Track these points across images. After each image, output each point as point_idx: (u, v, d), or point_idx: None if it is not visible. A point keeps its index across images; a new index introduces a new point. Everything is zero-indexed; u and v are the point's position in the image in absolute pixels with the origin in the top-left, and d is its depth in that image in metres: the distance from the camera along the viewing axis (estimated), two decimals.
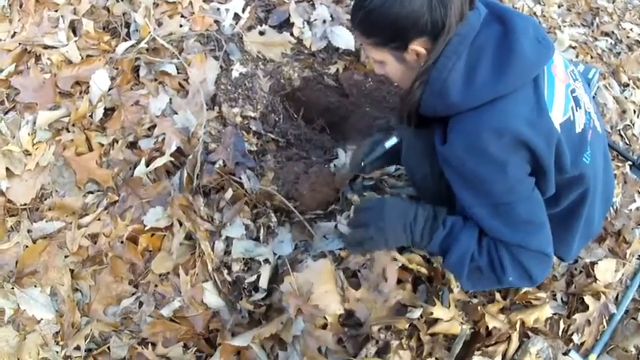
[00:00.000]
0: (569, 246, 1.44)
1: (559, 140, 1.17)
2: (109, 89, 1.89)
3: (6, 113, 1.85)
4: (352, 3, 1.26)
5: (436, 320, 1.53)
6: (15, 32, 2.08)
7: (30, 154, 1.75)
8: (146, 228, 1.65)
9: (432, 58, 1.17)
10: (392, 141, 1.60)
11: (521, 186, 1.19)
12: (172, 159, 1.78)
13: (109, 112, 1.87)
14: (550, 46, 1.20)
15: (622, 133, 2.55)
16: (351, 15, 1.26)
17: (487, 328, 1.56)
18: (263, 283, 1.60)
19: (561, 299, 1.79)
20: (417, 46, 1.19)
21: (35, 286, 1.56)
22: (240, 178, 1.78)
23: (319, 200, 1.83)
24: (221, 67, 2.04)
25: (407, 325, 1.51)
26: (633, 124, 2.60)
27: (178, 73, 1.99)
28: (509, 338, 1.58)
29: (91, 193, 1.74)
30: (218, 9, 2.20)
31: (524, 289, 1.67)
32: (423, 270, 1.61)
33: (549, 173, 1.20)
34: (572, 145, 1.23)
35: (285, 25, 2.25)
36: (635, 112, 2.66)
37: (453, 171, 1.23)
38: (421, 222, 1.33)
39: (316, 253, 1.66)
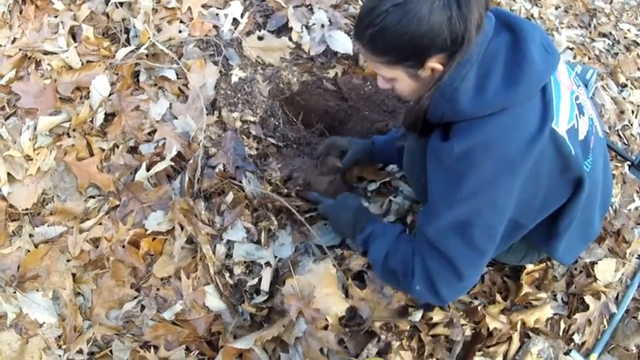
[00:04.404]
0: (558, 247, 1.41)
1: (563, 145, 1.17)
2: (110, 94, 1.90)
3: (7, 119, 1.86)
4: (356, 17, 1.18)
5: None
6: (15, 38, 2.09)
7: (31, 159, 1.75)
8: (147, 232, 1.66)
9: (447, 72, 1.12)
10: None
11: (494, 216, 1.18)
12: (173, 163, 1.78)
13: (109, 117, 1.88)
14: (556, 54, 1.18)
15: (620, 133, 2.56)
16: (357, 32, 1.18)
17: (488, 328, 1.57)
18: (264, 285, 1.60)
19: (562, 299, 1.79)
20: (434, 63, 1.14)
21: (37, 290, 1.57)
22: (240, 182, 1.79)
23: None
24: (220, 72, 2.05)
25: (408, 327, 1.52)
26: (631, 125, 2.62)
27: (178, 78, 2.00)
28: (510, 339, 1.59)
29: (92, 197, 1.74)
30: (217, 14, 2.20)
31: (525, 291, 1.67)
32: None
33: (543, 188, 1.21)
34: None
35: (284, 29, 2.26)
36: (633, 112, 2.67)
37: (440, 165, 1.19)
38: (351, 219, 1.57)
39: (314, 252, 1.68)
